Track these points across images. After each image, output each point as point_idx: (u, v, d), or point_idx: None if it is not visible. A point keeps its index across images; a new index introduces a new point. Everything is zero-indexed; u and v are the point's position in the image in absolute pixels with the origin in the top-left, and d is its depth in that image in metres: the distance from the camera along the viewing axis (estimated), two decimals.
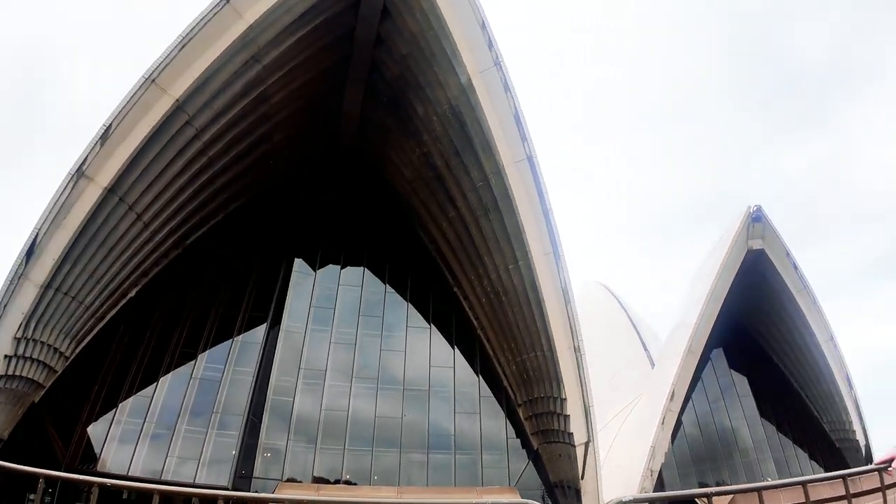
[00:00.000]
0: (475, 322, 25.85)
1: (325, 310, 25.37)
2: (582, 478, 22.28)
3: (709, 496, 4.23)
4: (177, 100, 18.89)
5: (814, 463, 33.52)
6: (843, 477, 5.64)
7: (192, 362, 23.40)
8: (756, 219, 32.09)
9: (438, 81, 21.65)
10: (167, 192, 20.70)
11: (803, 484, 4.52)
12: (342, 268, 26.71)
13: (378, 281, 26.85)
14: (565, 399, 22.59)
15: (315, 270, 26.39)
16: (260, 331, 24.58)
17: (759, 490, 4.69)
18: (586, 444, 22.53)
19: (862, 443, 32.39)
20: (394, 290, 26.76)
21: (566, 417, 22.68)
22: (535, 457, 23.95)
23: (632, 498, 4.21)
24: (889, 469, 3.45)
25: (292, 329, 24.56)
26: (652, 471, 30.71)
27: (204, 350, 23.79)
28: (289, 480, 21.52)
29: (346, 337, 24.95)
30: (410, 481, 22.54)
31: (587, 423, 22.64)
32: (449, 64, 20.98)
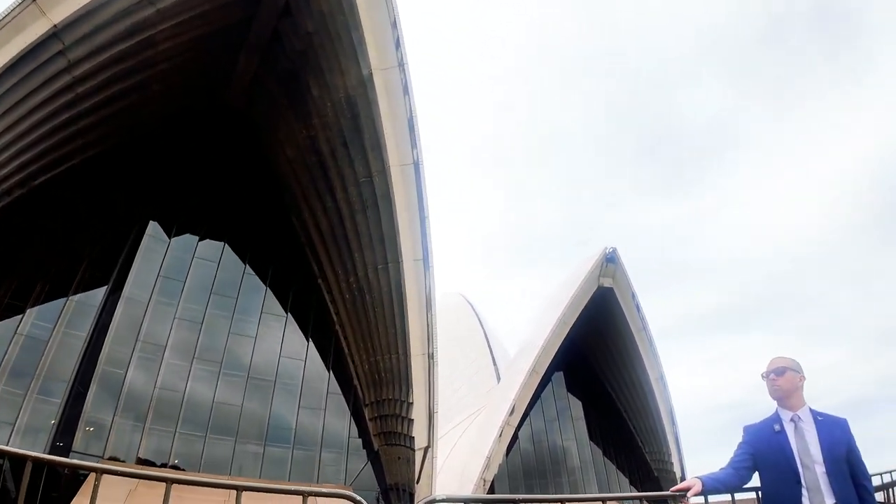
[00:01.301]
0: (335, 317, 25.34)
1: (174, 281, 23.42)
2: (417, 482, 22.67)
3: (516, 502, 4.42)
4: (55, 25, 16.57)
5: (633, 487, 36.74)
6: (641, 498, 6.22)
7: (20, 316, 20.40)
8: (610, 259, 34.77)
9: (339, 68, 21.08)
10: (23, 122, 18.01)
11: (603, 500, 4.87)
12: (201, 239, 24.78)
13: (237, 260, 25.23)
14: (412, 403, 22.89)
15: (170, 237, 24.16)
16: (99, 293, 22.10)
17: (562, 501, 4.96)
18: (426, 450, 22.97)
19: (678, 474, 36.08)
20: (253, 273, 25.31)
21: (410, 421, 22.98)
22: (374, 458, 23.96)
23: (444, 497, 4.30)
24: (684, 497, 3.72)
25: (135, 297, 22.37)
26: (485, 480, 31.95)
27: (34, 305, 20.88)
28: (111, 459, 19.61)
29: (193, 314, 23.23)
30: (243, 472, 21.51)
31: (430, 428, 23.08)
32: (353, 53, 20.52)
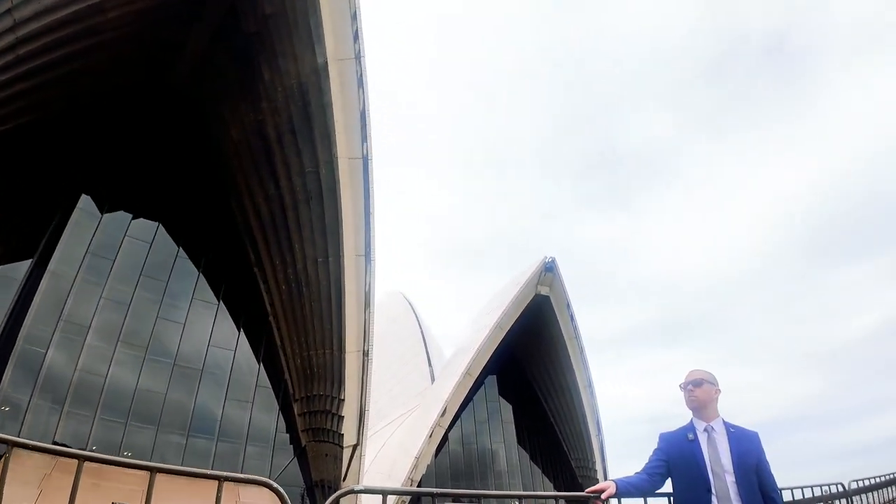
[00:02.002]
0: (269, 308, 24.67)
1: (103, 259, 22.12)
2: (344, 479, 22.46)
3: (433, 496, 4.44)
4: None
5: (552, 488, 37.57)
6: (555, 497, 6.41)
7: None
8: (548, 268, 35.61)
9: (294, 54, 20.61)
10: None
11: (519, 497, 4.97)
12: (134, 218, 23.50)
13: (171, 242, 24.06)
14: (343, 400, 22.65)
15: (102, 213, 22.76)
16: (22, 267, 20.49)
17: (478, 496, 5.04)
18: (354, 447, 22.79)
19: (601, 481, 37.09)
20: (186, 257, 24.21)
21: (340, 418, 22.73)
22: (301, 454, 23.50)
23: (362, 486, 4.31)
24: (598, 499, 3.86)
25: (60, 273, 20.93)
26: (413, 480, 31.98)
27: None
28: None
29: (120, 295, 22.04)
30: (164, 462, 20.63)
31: (360, 426, 22.92)
32: (309, 41, 20.10)
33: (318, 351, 22.95)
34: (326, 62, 20.07)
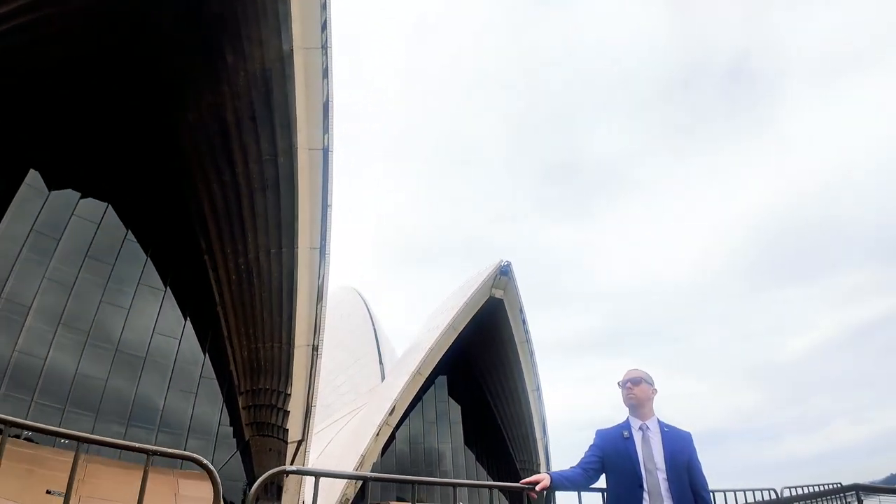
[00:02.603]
0: (217, 297, 24.05)
1: (47, 238, 21.13)
2: (287, 476, 22.06)
3: (367, 480, 4.52)
4: None
5: (501, 493, 37.78)
6: (490, 487, 6.47)
7: None
8: (504, 272, 35.95)
9: (259, 39, 20.17)
10: None
11: (454, 485, 4.91)
12: (83, 197, 22.56)
13: (120, 224, 23.19)
14: (290, 395, 22.25)
15: (50, 190, 21.87)
16: None
17: (412, 482, 5.06)
18: (299, 443, 22.41)
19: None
20: (134, 240, 23.34)
21: (286, 413, 22.33)
22: (244, 448, 23.04)
23: (295, 468, 4.31)
24: (532, 490, 3.94)
25: (2, 250, 19.81)
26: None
27: None
28: None
29: (64, 276, 21.10)
30: (101, 452, 19.81)
31: (305, 422, 22.56)
32: (276, 27, 19.70)
33: (267, 344, 22.53)
34: (292, 50, 19.73)
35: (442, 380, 41.16)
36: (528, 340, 37.18)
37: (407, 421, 38.68)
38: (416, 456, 38.67)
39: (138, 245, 23.49)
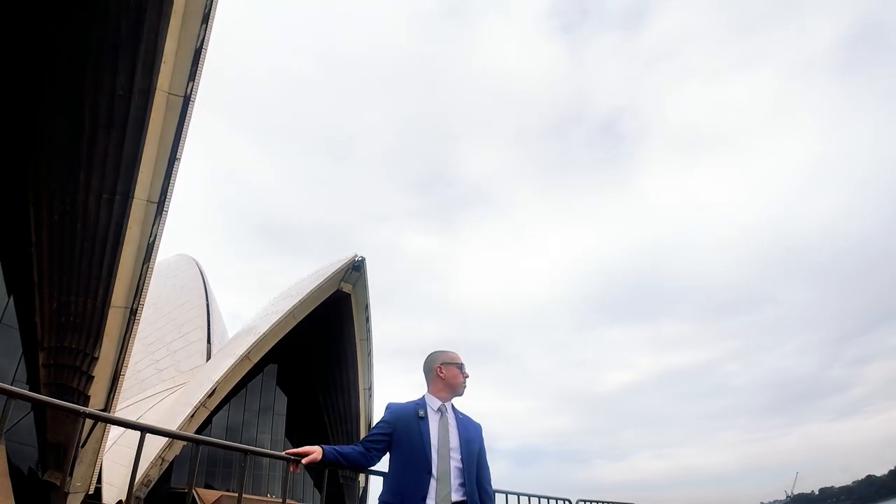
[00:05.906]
0: (33, 237, 20.98)
1: None
2: (82, 446, 19.75)
3: (197, 442, 4.00)
4: None
5: (317, 491, 36.84)
6: (279, 458, 5.89)
7: None
8: (356, 267, 35.60)
9: None
10: None
11: (245, 452, 4.52)
12: None
13: None
14: (97, 359, 19.95)
15: None
16: None
17: (206, 443, 4.34)
18: None
19: (361, 486, 37.72)
20: None
21: (90, 378, 19.99)
22: (39, 410, 20.18)
23: (95, 411, 3.75)
24: (297, 464, 3.49)
25: None
26: (164, 459, 29.46)
27: None
28: None
29: None
30: None
31: (111, 391, 20.39)
32: None
33: (80, 298, 20.00)
34: None
35: (272, 368, 39.60)
36: (368, 339, 37.04)
37: (227, 407, 36.59)
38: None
39: None
